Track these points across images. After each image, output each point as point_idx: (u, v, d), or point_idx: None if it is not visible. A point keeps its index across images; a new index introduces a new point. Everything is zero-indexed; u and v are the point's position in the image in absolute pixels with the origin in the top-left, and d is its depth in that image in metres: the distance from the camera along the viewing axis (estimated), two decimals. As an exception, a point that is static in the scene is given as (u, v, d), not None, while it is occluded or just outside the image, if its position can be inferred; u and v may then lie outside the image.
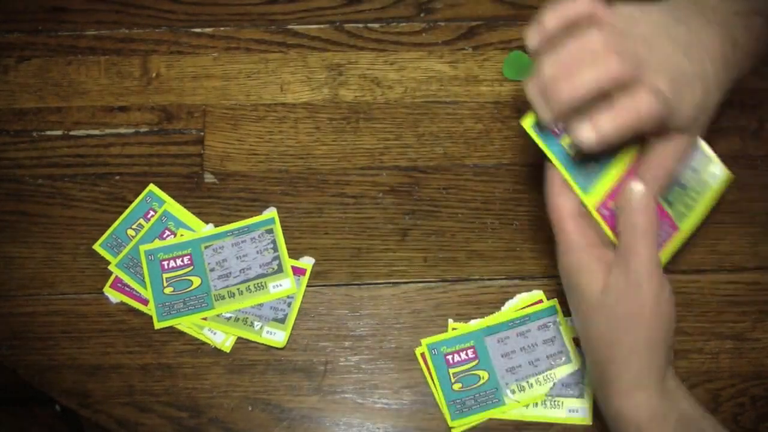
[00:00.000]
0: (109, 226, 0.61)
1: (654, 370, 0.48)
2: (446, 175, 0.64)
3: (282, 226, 0.61)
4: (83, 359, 0.58)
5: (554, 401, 0.57)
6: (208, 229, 0.61)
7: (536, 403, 0.57)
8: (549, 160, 0.50)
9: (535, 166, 0.64)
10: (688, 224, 0.54)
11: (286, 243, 0.61)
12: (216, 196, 0.63)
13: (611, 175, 0.51)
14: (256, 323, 0.59)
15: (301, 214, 0.62)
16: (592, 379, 0.52)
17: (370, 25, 0.68)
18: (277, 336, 0.58)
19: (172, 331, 0.59)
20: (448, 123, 0.65)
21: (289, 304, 0.59)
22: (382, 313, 0.60)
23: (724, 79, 0.51)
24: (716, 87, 0.50)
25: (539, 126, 0.50)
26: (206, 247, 0.60)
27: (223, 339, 0.59)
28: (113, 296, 0.60)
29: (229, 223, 0.61)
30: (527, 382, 0.57)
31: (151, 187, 0.63)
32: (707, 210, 0.55)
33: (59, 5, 0.68)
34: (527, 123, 0.50)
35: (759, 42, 0.52)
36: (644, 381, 0.48)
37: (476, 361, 0.58)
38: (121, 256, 0.60)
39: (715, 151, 0.65)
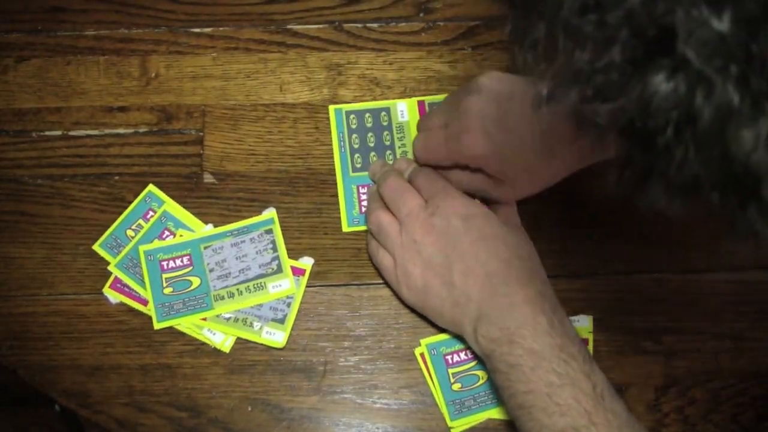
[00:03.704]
0: (108, 226, 0.61)
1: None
2: (446, 175, 0.64)
3: (281, 227, 0.61)
4: (83, 359, 0.58)
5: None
6: (208, 229, 0.61)
7: (536, 403, 0.57)
8: None
9: (535, 165, 0.64)
10: None
11: (286, 243, 0.61)
12: (215, 197, 0.63)
13: None
14: (255, 323, 0.59)
15: (300, 214, 0.62)
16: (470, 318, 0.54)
17: (369, 24, 0.68)
18: (276, 336, 0.58)
19: (171, 332, 0.59)
20: (448, 123, 0.65)
21: (289, 305, 0.59)
22: (381, 313, 0.60)
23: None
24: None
25: None
26: (206, 248, 0.60)
27: (222, 339, 0.59)
28: (113, 296, 0.60)
29: (228, 223, 0.61)
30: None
31: (151, 187, 0.63)
32: None
33: (58, 5, 0.68)
34: None
35: None
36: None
37: (475, 362, 0.58)
38: (120, 256, 0.60)
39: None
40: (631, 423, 0.48)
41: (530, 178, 0.57)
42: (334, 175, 0.63)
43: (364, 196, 0.62)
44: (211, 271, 0.60)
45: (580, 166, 0.57)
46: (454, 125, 0.56)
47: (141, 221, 0.61)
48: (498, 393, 0.53)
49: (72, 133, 0.64)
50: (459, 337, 0.58)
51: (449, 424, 0.57)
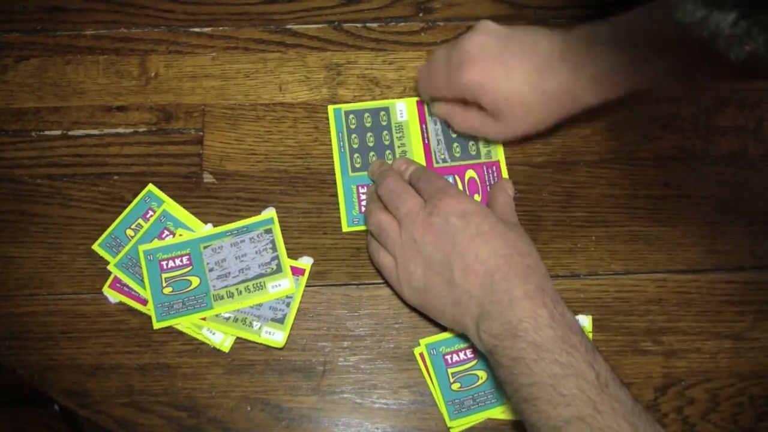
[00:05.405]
0: (107, 226, 0.61)
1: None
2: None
3: (281, 226, 0.61)
4: (82, 359, 0.58)
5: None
6: (207, 228, 0.61)
7: (535, 403, 0.57)
8: None
9: (533, 165, 0.64)
10: None
11: (285, 243, 0.61)
12: (215, 196, 0.63)
13: None
14: (255, 323, 0.59)
15: (299, 213, 0.62)
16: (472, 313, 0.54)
17: (368, 24, 0.68)
18: (275, 336, 0.58)
19: (171, 331, 0.59)
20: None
21: (288, 304, 0.59)
22: (380, 312, 0.60)
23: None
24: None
25: None
26: (205, 247, 0.60)
27: (222, 339, 0.59)
28: (112, 296, 0.60)
29: (228, 223, 0.61)
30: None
31: (150, 186, 0.63)
32: None
33: (58, 5, 0.68)
34: None
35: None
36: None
37: (475, 361, 0.58)
38: (120, 256, 0.60)
39: (716, 150, 0.65)
40: (637, 411, 0.48)
41: (524, 114, 0.59)
42: (334, 174, 0.63)
43: (363, 196, 0.62)
44: (210, 270, 0.60)
45: (573, 110, 0.60)
46: (455, 55, 0.60)
47: (140, 221, 0.61)
48: (502, 389, 0.53)
49: (71, 132, 0.65)
50: (459, 337, 0.58)
51: (448, 423, 0.57)
